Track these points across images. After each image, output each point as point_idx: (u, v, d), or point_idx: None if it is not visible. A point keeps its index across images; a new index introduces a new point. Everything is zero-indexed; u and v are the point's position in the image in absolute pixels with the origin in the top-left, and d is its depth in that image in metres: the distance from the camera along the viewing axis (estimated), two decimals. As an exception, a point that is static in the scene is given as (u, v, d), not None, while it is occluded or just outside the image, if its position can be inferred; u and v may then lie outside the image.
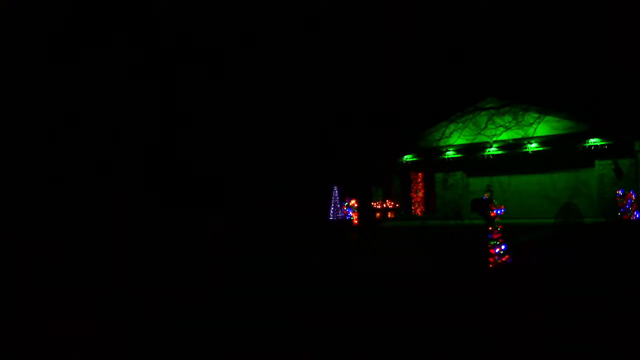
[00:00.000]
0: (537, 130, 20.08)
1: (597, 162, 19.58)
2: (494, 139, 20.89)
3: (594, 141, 18.86)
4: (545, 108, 20.11)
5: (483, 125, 21.17)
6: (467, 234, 15.68)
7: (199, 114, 26.01)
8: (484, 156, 21.24)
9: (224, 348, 5.94)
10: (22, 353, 6.13)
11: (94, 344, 6.28)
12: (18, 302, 8.90)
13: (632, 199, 16.92)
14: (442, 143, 22.26)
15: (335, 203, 21.63)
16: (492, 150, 21.00)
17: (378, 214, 23.88)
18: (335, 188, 21.81)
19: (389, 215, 24.44)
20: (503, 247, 10.00)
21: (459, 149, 21.98)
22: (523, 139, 20.28)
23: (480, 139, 21.27)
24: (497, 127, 20.79)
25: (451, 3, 28.77)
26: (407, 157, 23.59)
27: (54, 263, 13.73)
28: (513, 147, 20.54)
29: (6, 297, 9.34)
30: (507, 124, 20.63)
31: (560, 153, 19.87)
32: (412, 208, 25.56)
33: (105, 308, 8.15)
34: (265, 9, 29.90)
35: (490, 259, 9.94)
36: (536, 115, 20.16)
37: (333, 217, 21.51)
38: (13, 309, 8.40)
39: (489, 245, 9.99)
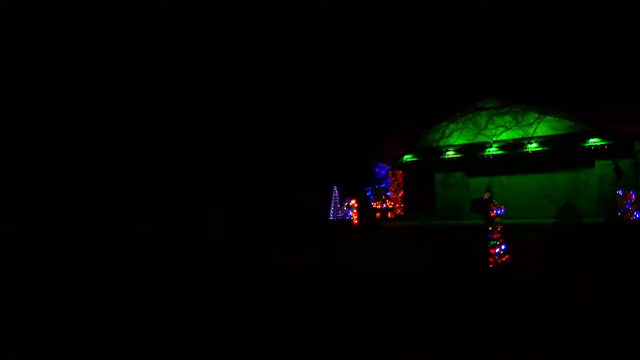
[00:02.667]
0: (537, 130, 20.05)
1: (597, 162, 19.57)
2: (494, 139, 20.85)
3: (594, 141, 18.84)
4: (545, 108, 20.08)
5: (483, 125, 21.12)
6: (467, 234, 15.69)
7: (199, 114, 26.02)
8: (484, 156, 21.21)
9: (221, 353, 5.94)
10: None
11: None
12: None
13: (632, 199, 16.91)
14: (442, 143, 22.22)
15: (335, 203, 21.62)
16: (492, 150, 20.97)
17: (378, 214, 23.86)
18: (335, 188, 21.79)
19: (389, 215, 24.42)
20: (503, 247, 9.99)
21: (459, 149, 21.94)
22: (523, 139, 20.24)
23: (480, 139, 21.22)
24: (497, 127, 20.74)
25: (451, 3, 28.78)
26: (407, 157, 23.56)
27: (53, 263, 13.73)
28: (513, 147, 20.50)
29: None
30: (507, 124, 20.59)
31: (560, 153, 19.85)
32: (412, 208, 25.53)
33: (101, 311, 8.15)
34: (264, 8, 29.90)
35: (490, 259, 9.93)
36: (536, 115, 20.12)
37: (333, 217, 21.49)
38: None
39: (489, 245, 9.98)
